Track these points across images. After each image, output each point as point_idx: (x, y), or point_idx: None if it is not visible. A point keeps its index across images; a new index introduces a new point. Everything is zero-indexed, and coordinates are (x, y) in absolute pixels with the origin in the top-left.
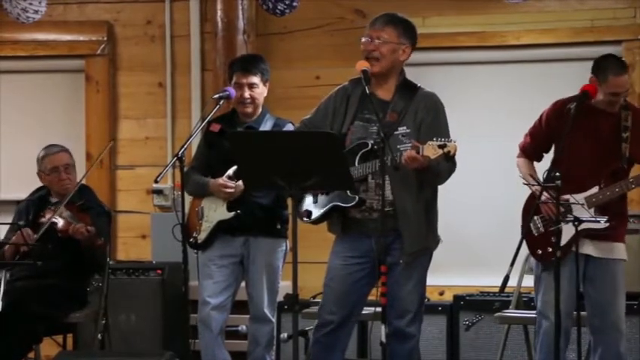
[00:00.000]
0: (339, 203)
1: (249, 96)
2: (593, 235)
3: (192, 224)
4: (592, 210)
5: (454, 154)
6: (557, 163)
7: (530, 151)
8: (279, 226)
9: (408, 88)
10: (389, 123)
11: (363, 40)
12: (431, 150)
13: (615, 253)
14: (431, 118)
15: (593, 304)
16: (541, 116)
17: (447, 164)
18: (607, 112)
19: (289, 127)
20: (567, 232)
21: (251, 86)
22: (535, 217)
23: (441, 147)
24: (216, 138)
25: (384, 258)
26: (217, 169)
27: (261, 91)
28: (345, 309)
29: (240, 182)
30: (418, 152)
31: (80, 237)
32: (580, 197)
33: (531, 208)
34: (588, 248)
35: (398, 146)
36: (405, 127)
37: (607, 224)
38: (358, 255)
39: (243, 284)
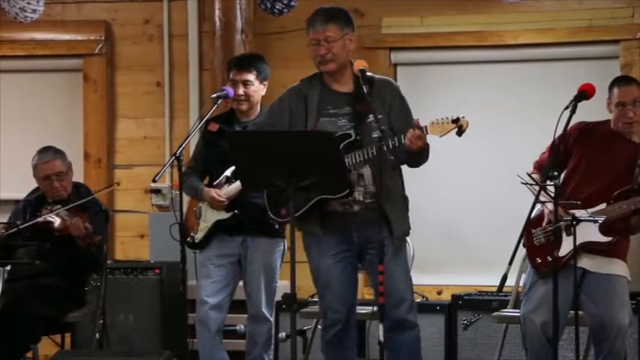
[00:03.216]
0: (326, 195)
1: (243, 93)
2: (593, 250)
3: (190, 224)
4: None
5: (466, 129)
6: (568, 180)
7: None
8: (276, 226)
9: (363, 77)
10: (360, 115)
11: (311, 46)
12: (437, 128)
13: (614, 269)
14: (398, 102)
15: (593, 321)
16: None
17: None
18: (625, 138)
19: None
20: (567, 245)
21: (245, 83)
22: (537, 229)
23: (454, 121)
24: (214, 137)
25: (379, 254)
26: (215, 169)
27: (255, 89)
28: (348, 304)
29: (237, 183)
30: (422, 132)
31: (77, 233)
32: (586, 212)
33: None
34: (586, 262)
35: (372, 134)
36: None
37: (609, 239)
38: (344, 249)
39: (241, 284)
